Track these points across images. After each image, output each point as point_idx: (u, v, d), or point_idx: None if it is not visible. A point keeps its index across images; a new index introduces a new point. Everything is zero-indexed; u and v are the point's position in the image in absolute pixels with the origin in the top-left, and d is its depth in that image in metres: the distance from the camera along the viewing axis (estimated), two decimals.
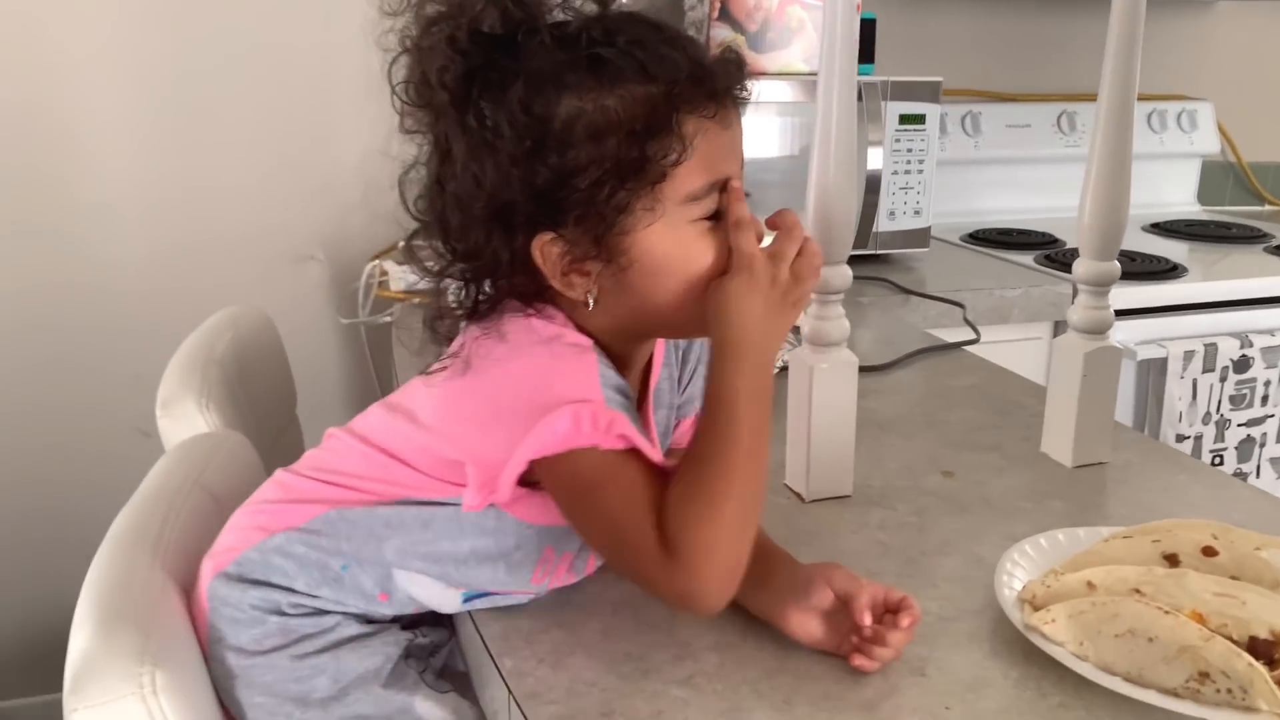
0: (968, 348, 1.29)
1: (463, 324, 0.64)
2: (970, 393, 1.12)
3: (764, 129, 1.62)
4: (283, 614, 0.69)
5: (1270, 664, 0.57)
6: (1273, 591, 0.62)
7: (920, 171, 1.70)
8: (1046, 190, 2.07)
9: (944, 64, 2.05)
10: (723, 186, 0.60)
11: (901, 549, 0.77)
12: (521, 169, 0.57)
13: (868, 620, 0.61)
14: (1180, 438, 1.60)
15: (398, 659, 0.71)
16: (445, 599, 0.70)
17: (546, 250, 0.60)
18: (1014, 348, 1.49)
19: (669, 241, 0.59)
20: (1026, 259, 1.74)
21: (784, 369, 0.89)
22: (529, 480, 0.62)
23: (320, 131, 1.78)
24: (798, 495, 0.85)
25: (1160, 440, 1.60)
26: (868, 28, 1.84)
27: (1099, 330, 0.87)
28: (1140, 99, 2.23)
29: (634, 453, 0.59)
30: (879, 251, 1.70)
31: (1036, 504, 0.84)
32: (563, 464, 0.59)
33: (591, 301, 0.61)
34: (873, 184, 1.65)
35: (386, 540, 0.67)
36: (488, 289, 0.63)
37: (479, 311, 0.63)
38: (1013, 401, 1.07)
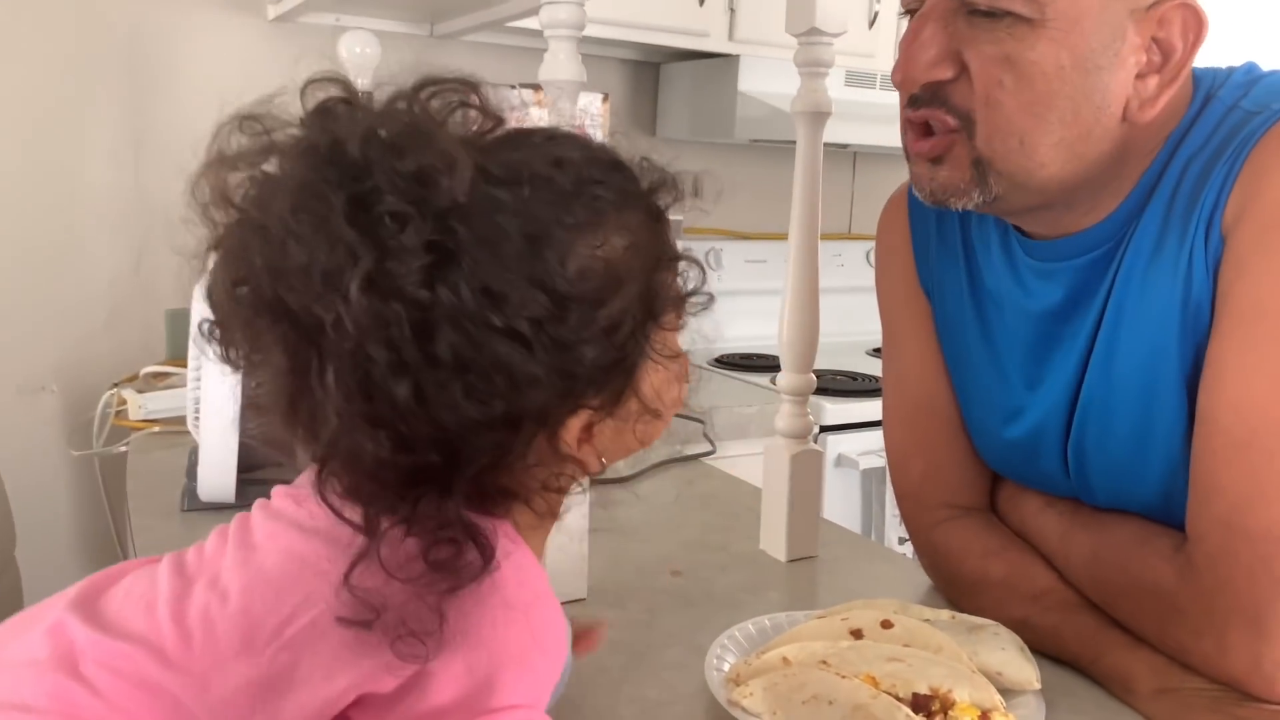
0: (706, 459, 1.38)
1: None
2: (705, 499, 1.21)
3: None
4: None
5: (929, 715, 0.65)
6: (936, 655, 0.71)
7: None
8: None
9: (689, 206, 2.24)
10: None
11: (629, 644, 0.82)
12: (559, 350, 0.45)
13: None
14: (902, 540, 1.76)
15: None
16: None
17: (575, 431, 0.49)
18: (753, 460, 1.61)
19: (659, 372, 0.51)
20: (764, 380, 1.90)
21: None
22: None
23: (64, 256, 1.71)
24: None
25: (885, 542, 1.76)
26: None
27: (801, 435, 0.98)
28: (859, 237, 2.49)
29: None
30: None
31: (755, 595, 0.92)
32: None
33: (600, 466, 0.51)
34: None
35: None
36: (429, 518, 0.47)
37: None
38: (743, 505, 1.17)
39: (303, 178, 0.44)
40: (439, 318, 0.43)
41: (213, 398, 1.03)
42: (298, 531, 0.50)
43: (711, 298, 0.54)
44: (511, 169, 0.46)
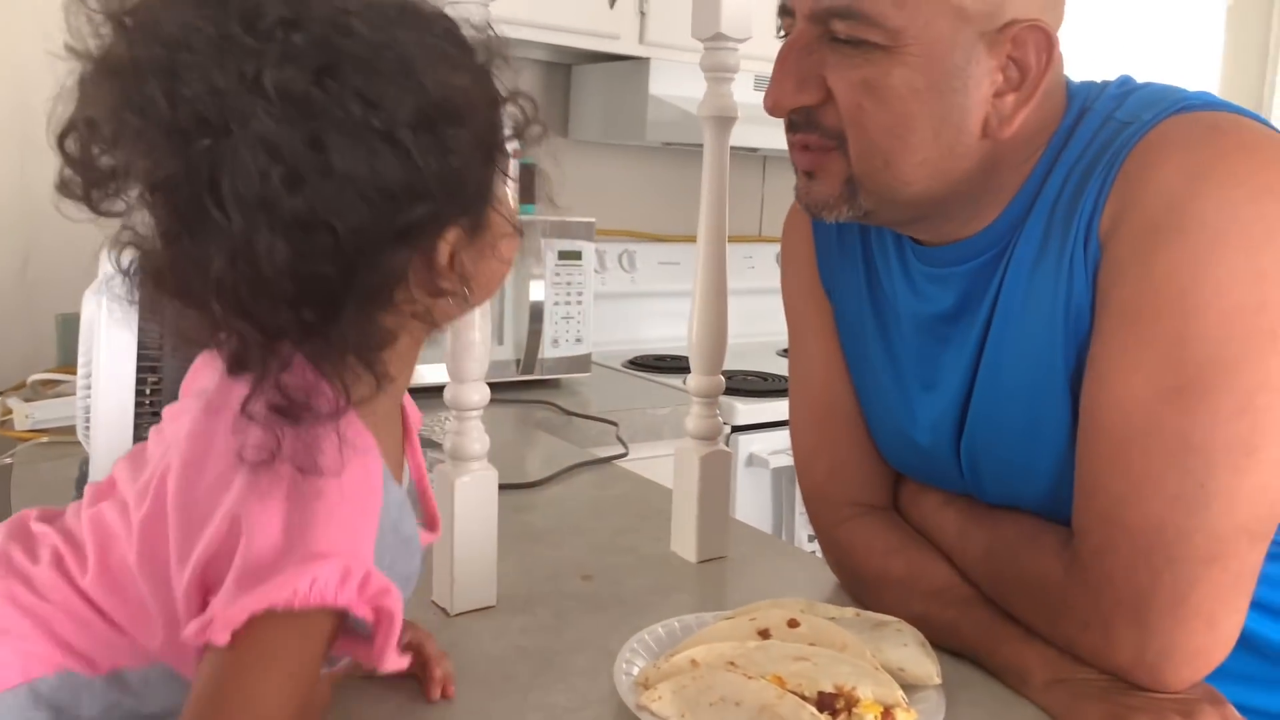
0: (618, 462, 1.38)
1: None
2: (616, 501, 1.21)
3: None
4: None
5: (834, 713, 0.66)
6: (840, 653, 0.73)
7: (579, 303, 1.83)
8: None
9: (602, 208, 2.24)
10: None
11: (538, 650, 0.81)
12: (430, 154, 0.50)
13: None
14: (811, 537, 1.79)
15: None
16: None
17: (447, 248, 0.54)
18: (666, 461, 1.61)
19: (508, 208, 0.58)
20: (677, 381, 1.91)
21: None
22: None
23: None
24: (443, 610, 0.87)
25: (796, 539, 1.79)
26: (527, 173, 1.98)
27: (711, 436, 0.99)
28: (770, 240, 2.52)
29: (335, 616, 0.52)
30: (545, 376, 1.79)
31: (665, 598, 0.92)
32: (267, 618, 0.49)
33: (468, 293, 0.56)
34: (536, 314, 1.76)
35: None
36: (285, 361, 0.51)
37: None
38: (654, 508, 1.17)
39: None
40: (328, 122, 0.47)
41: (104, 406, 0.98)
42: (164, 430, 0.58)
43: (545, 130, 0.59)
44: (374, 12, 0.52)
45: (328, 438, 0.51)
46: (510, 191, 0.60)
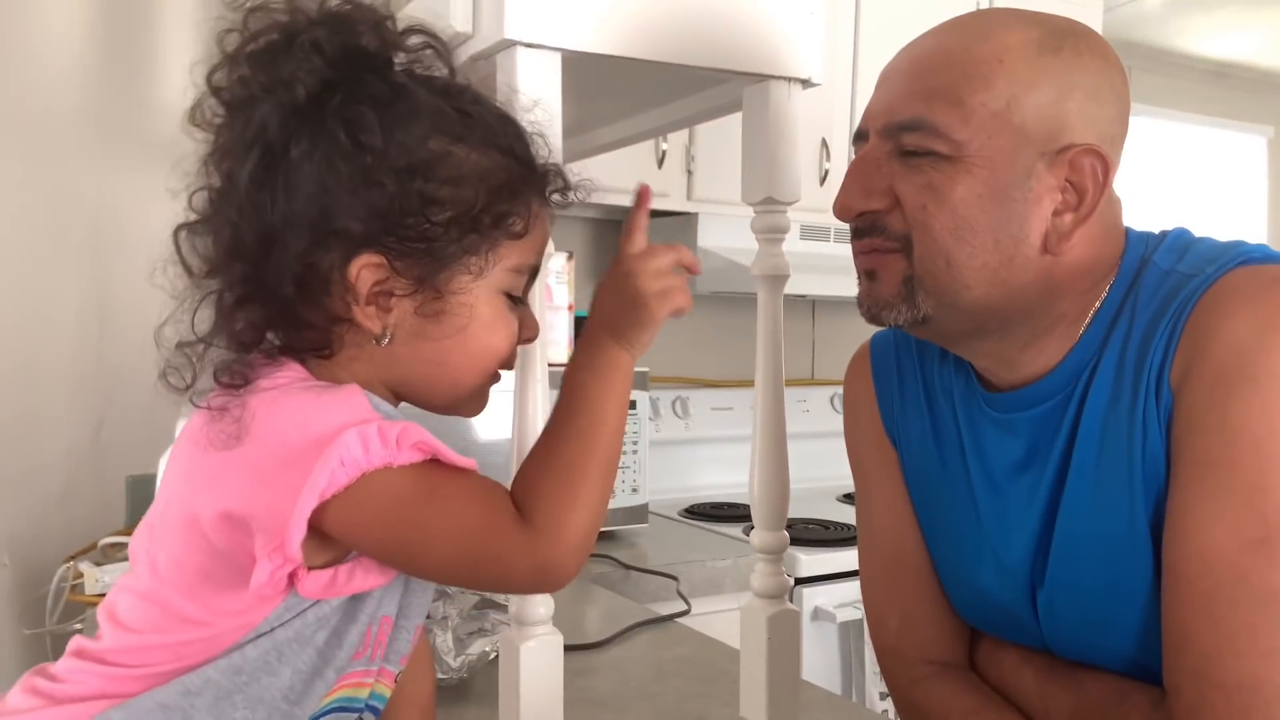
0: (681, 619, 1.36)
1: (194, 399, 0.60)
2: (681, 663, 1.18)
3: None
4: None
5: None
6: None
7: (634, 452, 1.83)
8: None
9: (654, 355, 2.28)
10: (532, 274, 0.66)
11: None
12: (377, 187, 0.58)
13: None
14: (883, 695, 1.72)
15: None
16: None
17: (365, 272, 0.59)
18: (729, 616, 1.58)
19: (481, 301, 0.62)
20: (736, 530, 1.89)
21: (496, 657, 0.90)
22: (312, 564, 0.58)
23: (20, 426, 1.69)
24: None
25: (866, 698, 1.72)
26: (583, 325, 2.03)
27: (778, 595, 0.97)
28: (823, 383, 2.52)
29: (435, 462, 0.58)
30: (602, 529, 1.78)
31: None
32: (366, 499, 0.55)
33: (388, 337, 0.60)
34: None
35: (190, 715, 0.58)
36: (242, 317, 0.60)
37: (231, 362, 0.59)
38: (719, 669, 1.14)
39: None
40: (305, 124, 0.58)
41: None
42: None
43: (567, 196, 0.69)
44: (442, 83, 0.63)
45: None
46: (505, 308, 0.64)
